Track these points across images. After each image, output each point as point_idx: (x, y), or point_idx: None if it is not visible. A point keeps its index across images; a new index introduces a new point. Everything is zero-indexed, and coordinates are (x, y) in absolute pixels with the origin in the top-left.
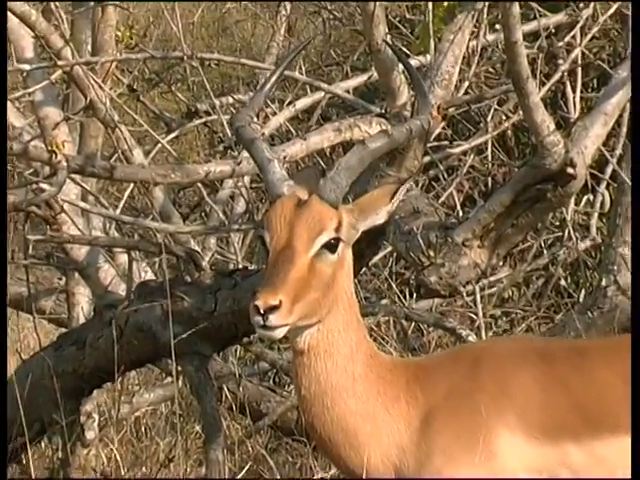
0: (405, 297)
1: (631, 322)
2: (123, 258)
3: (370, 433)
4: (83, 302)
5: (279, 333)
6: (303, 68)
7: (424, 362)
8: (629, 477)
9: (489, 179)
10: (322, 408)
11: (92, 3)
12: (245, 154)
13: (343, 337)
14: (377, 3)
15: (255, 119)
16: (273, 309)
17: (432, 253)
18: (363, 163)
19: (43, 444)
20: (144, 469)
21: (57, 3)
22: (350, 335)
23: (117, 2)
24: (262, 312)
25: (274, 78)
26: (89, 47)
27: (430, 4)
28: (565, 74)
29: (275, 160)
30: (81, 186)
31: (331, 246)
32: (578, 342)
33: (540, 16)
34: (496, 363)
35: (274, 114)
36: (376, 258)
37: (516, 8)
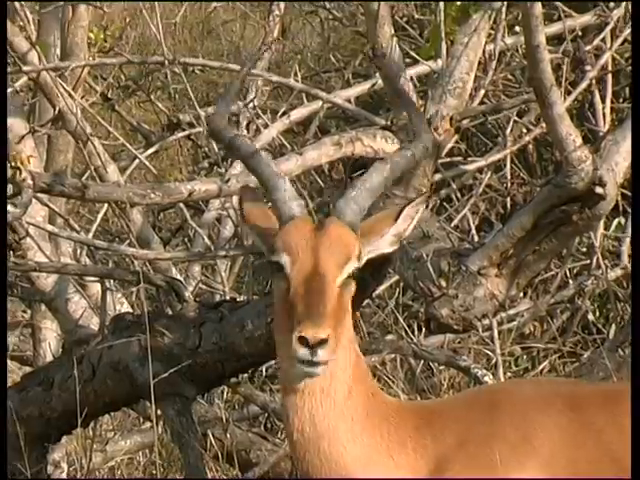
0: (413, 332)
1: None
2: (96, 288)
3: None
4: (50, 338)
5: (323, 370)
6: (299, 74)
7: (434, 406)
8: (629, 477)
9: (508, 199)
10: (318, 454)
11: (61, 2)
12: (234, 171)
13: (341, 374)
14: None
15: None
16: (322, 343)
17: (444, 283)
18: (386, 183)
19: None
20: None
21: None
22: (348, 372)
23: (90, 0)
24: (311, 346)
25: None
26: (58, 51)
27: (442, 2)
28: (593, 82)
29: (285, 177)
30: (49, 207)
31: (352, 276)
32: (610, 386)
33: (565, 17)
34: (517, 408)
35: (266, 126)
36: (381, 288)
37: (538, 8)
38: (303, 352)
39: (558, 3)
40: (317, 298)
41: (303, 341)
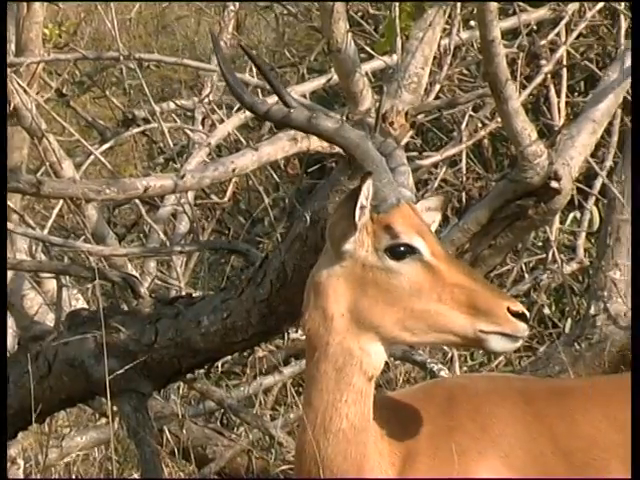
0: None
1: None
2: (51, 284)
3: (370, 472)
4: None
5: None
6: (254, 70)
7: (397, 396)
8: (629, 477)
9: (463, 194)
10: (353, 445)
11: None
12: (189, 167)
13: None
14: None
15: None
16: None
17: None
18: None
19: None
20: None
21: None
22: None
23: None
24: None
25: None
26: (13, 47)
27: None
28: (548, 76)
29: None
30: None
31: None
32: (559, 382)
33: (520, 11)
34: (472, 401)
35: (221, 121)
36: None
37: (493, 2)
38: (524, 326)
39: None
40: (478, 276)
41: (524, 316)
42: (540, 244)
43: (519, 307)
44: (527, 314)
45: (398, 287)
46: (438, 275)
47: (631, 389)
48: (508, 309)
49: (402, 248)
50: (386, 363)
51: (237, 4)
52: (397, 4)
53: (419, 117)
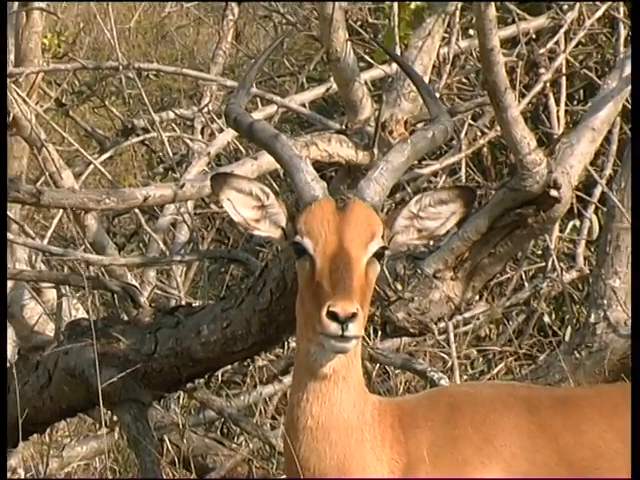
0: (369, 336)
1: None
2: (51, 294)
3: (359, 476)
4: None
5: (353, 345)
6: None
7: (403, 403)
8: (629, 477)
9: None
10: (326, 444)
11: (15, 6)
12: (189, 176)
13: (356, 364)
14: (336, 5)
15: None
16: (352, 317)
17: (400, 286)
18: (408, 164)
19: None
20: None
21: None
22: (359, 361)
23: (43, 5)
24: (342, 320)
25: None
26: (12, 57)
27: (395, 6)
28: (548, 84)
29: (307, 158)
30: None
31: (378, 255)
32: (563, 391)
33: (519, 20)
34: (477, 410)
35: (221, 130)
36: None
37: (492, 11)
38: (334, 327)
39: (512, 6)
40: (344, 275)
41: (333, 316)
42: (540, 252)
43: (336, 307)
44: (340, 314)
45: (300, 284)
46: (314, 273)
47: (631, 392)
48: (328, 309)
49: (299, 246)
50: (386, 372)
51: (236, 12)
52: (396, 13)
53: (418, 126)
